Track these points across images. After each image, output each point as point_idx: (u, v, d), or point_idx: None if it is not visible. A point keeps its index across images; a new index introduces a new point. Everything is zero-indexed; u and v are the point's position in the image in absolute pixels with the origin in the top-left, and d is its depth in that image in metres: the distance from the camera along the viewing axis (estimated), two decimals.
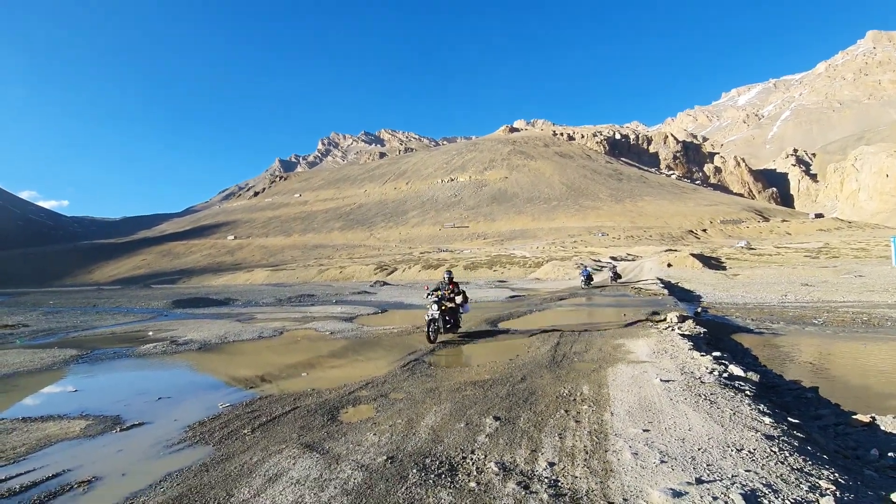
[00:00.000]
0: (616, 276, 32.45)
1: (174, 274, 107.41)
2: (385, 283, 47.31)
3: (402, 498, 3.20)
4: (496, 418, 4.81)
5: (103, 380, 8.33)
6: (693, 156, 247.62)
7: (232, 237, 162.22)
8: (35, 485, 3.92)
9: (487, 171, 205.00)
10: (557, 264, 50.27)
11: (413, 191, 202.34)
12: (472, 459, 3.81)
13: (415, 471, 3.61)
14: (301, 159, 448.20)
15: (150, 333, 13.96)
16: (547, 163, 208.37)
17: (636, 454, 3.72)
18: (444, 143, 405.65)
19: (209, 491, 3.47)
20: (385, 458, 3.90)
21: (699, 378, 6.06)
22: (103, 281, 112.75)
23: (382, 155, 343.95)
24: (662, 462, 3.55)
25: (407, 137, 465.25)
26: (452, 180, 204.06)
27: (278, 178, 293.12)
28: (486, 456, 3.87)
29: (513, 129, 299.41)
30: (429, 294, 10.69)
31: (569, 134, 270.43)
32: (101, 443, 4.90)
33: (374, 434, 4.54)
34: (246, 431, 4.85)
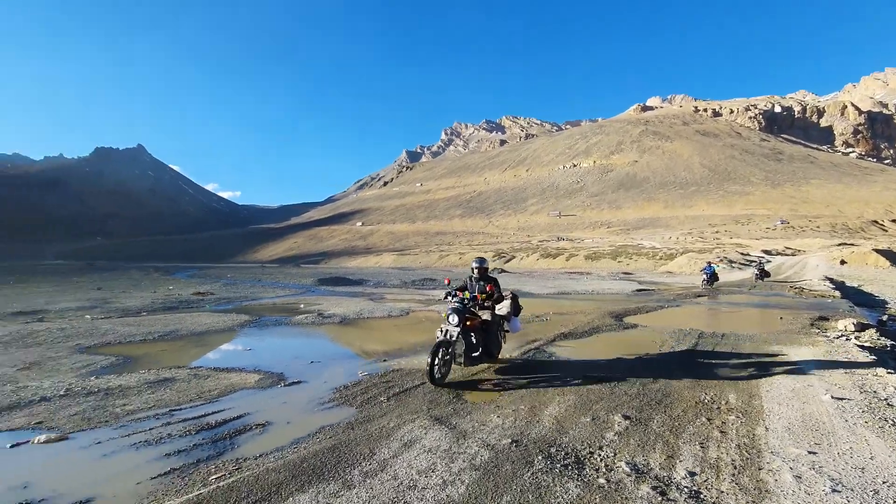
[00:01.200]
0: (763, 273, 27.49)
1: (318, 255, 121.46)
2: (503, 271, 47.53)
3: (529, 482, 3.25)
4: (625, 417, 4.58)
5: (269, 342, 9.88)
6: (882, 129, 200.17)
7: (360, 224, 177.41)
8: (225, 422, 4.85)
9: (614, 155, 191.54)
10: (694, 257, 45.14)
11: (533, 178, 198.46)
12: (599, 455, 3.70)
13: (540, 458, 3.63)
14: (426, 150, 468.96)
15: (302, 306, 16.09)
16: (685, 143, 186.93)
17: (799, 477, 3.24)
18: (567, 127, 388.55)
19: (355, 447, 3.94)
20: (510, 440, 3.99)
21: (885, 399, 5.00)
22: (265, 259, 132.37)
23: (503, 142, 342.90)
24: (835, 491, 3.04)
25: (528, 123, 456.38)
26: (575, 166, 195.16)
27: (405, 169, 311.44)
28: (615, 454, 3.72)
29: (645, 108, 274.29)
30: (449, 295, 6.79)
31: (714, 109, 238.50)
32: (270, 394, 5.85)
33: (498, 416, 4.66)
34: (382, 399, 5.36)
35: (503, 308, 6.87)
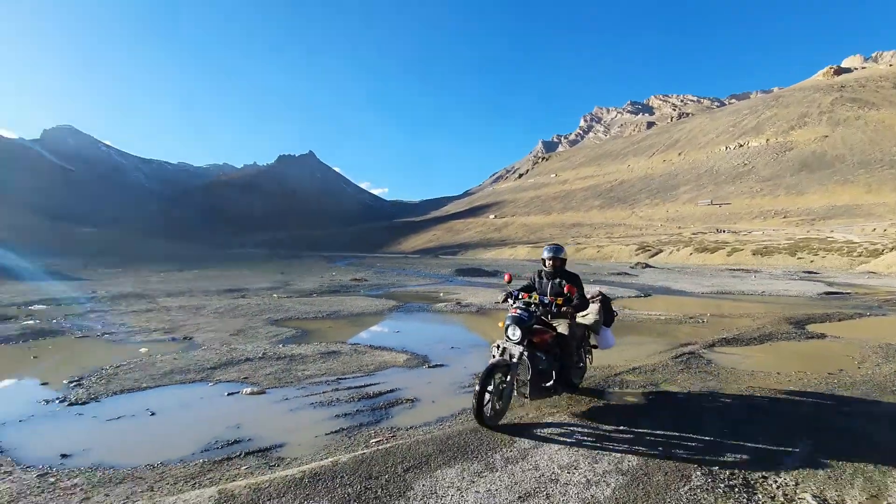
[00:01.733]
0: None
1: (455, 247, 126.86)
2: (648, 266, 43.54)
3: (685, 498, 2.98)
4: (808, 440, 3.87)
5: (413, 326, 10.73)
6: None
7: (493, 216, 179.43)
8: (381, 394, 5.44)
9: (795, 131, 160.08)
10: None
11: (686, 162, 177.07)
12: (775, 481, 3.20)
13: (699, 473, 3.29)
14: (562, 139, 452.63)
15: (441, 294, 17.05)
16: None
17: None
18: (732, 101, 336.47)
19: (495, 432, 4.06)
20: (662, 449, 3.70)
21: None
22: (407, 250, 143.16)
23: (650, 125, 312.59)
24: None
25: (682, 101, 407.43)
26: (741, 146, 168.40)
27: (540, 160, 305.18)
28: (796, 483, 3.18)
29: (839, 71, 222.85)
30: (511, 297, 5.06)
31: None
32: (417, 374, 6.37)
33: (647, 423, 4.34)
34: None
35: (589, 316, 5.23)
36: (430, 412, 4.84)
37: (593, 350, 5.48)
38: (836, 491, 3.07)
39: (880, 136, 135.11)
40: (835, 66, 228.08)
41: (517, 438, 3.93)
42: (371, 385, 5.77)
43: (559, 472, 3.31)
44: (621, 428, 4.19)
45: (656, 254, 59.56)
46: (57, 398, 5.23)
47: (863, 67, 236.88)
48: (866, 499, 2.99)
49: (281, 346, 8.06)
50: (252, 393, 5.50)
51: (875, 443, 3.88)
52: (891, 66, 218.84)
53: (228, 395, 5.45)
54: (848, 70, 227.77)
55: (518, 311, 4.44)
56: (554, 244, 5.27)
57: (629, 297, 17.02)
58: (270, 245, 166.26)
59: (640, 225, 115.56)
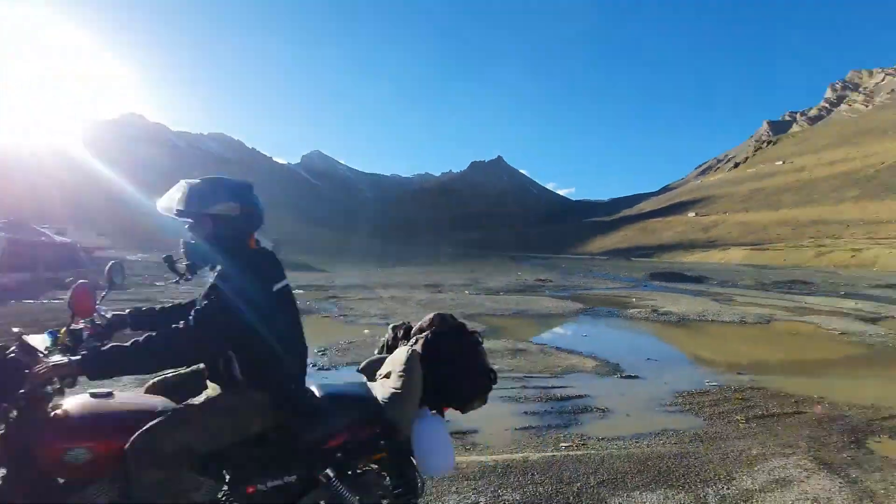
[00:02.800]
0: None
1: (649, 248, 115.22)
2: None
3: None
4: None
5: (602, 331, 10.18)
6: None
7: (692, 214, 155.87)
8: (569, 398, 5.32)
9: None
10: None
11: None
12: None
13: None
14: (798, 116, 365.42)
15: (633, 300, 15.72)
16: None
17: None
18: None
19: (707, 463, 3.54)
20: None
21: None
22: (594, 252, 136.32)
23: None
24: None
25: None
26: None
27: (765, 144, 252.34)
28: None
29: None
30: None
31: None
32: (608, 382, 6.02)
33: None
34: (739, 418, 4.60)
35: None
36: (624, 426, 4.51)
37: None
38: None
39: None
40: None
41: (737, 475, 3.36)
42: (558, 388, 5.69)
43: None
44: (887, 487, 3.17)
45: None
46: (309, 363, 6.72)
47: None
48: None
49: None
50: None
51: None
52: None
53: None
54: None
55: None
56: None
57: None
58: (465, 245, 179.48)
59: None
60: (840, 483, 3.27)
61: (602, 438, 4.18)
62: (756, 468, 3.45)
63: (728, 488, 3.13)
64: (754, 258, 66.36)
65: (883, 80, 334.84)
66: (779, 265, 55.76)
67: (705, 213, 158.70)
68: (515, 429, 4.39)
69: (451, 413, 2.01)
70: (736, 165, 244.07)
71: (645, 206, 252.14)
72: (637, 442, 4.07)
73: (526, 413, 4.84)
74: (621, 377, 6.24)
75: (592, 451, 3.73)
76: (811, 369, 7.07)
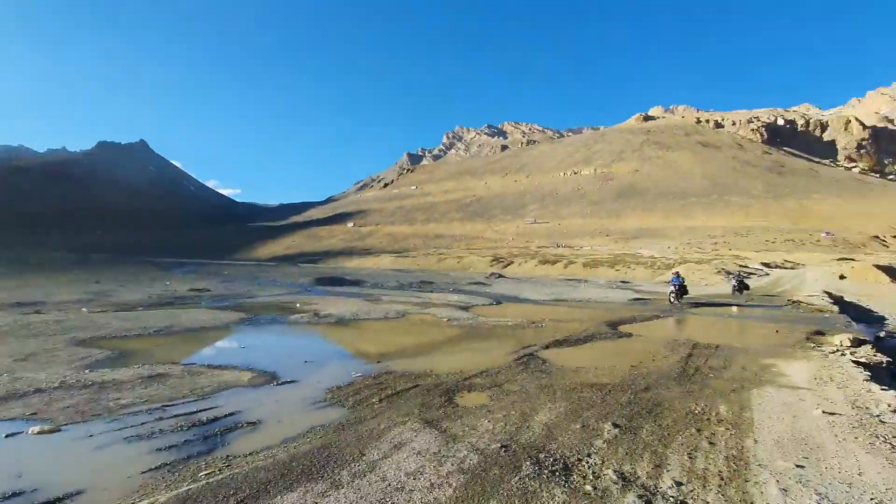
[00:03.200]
0: (741, 286, 24.73)
1: (316, 255, 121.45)
2: (500, 276, 47.51)
3: (516, 487, 3.27)
4: (615, 425, 4.60)
5: (263, 341, 9.89)
6: (887, 145, 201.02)
7: (351, 224, 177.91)
8: (217, 419, 4.87)
9: (615, 164, 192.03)
10: (693, 268, 45.18)
11: (533, 184, 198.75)
12: (587, 463, 3.72)
13: (528, 463, 3.65)
14: (427, 153, 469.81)
15: (298, 305, 16.10)
16: (686, 154, 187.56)
17: (785, 491, 3.27)
18: (569, 134, 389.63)
19: (345, 447, 3.95)
20: (499, 445, 4.01)
21: (877, 416, 5.02)
22: (262, 258, 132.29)
23: (504, 147, 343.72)
24: None
25: (530, 129, 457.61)
26: (575, 173, 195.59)
27: (405, 171, 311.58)
28: (603, 462, 3.74)
29: (647, 118, 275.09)
30: None
31: (716, 121, 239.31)
32: (263, 393, 5.86)
33: (489, 421, 4.67)
34: (374, 400, 5.38)
35: None
36: (274, 434, 4.48)
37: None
38: (630, 466, 3.69)
39: (673, 174, 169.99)
40: (643, 114, 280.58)
41: (367, 450, 3.87)
42: (205, 410, 5.12)
43: (405, 479, 3.35)
44: (465, 429, 4.43)
45: (508, 265, 65.30)
46: None
47: (663, 117, 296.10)
48: (652, 468, 3.65)
49: (88, 371, 6.68)
50: (41, 432, 4.44)
51: (660, 423, 4.78)
52: (682, 117, 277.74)
53: (7, 437, 4.31)
54: (653, 118, 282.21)
55: None
56: None
57: (483, 304, 18.27)
58: (88, 248, 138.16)
59: (495, 238, 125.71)
60: (436, 433, 4.30)
61: (250, 453, 4.00)
62: (382, 440, 4.11)
63: (359, 465, 3.58)
64: (398, 263, 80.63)
65: (474, 137, 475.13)
66: (414, 269, 69.83)
67: (363, 223, 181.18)
68: (142, 472, 3.64)
69: (43, 479, 1.44)
70: (385, 185, 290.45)
71: (313, 214, 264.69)
72: (286, 446, 4.11)
73: (160, 450, 4.09)
74: (277, 384, 6.21)
75: (237, 471, 3.51)
76: (427, 350, 9.08)
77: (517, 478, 3.40)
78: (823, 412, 5.05)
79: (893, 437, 4.36)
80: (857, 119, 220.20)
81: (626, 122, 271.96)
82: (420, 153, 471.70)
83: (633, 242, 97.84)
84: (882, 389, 6.05)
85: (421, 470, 3.51)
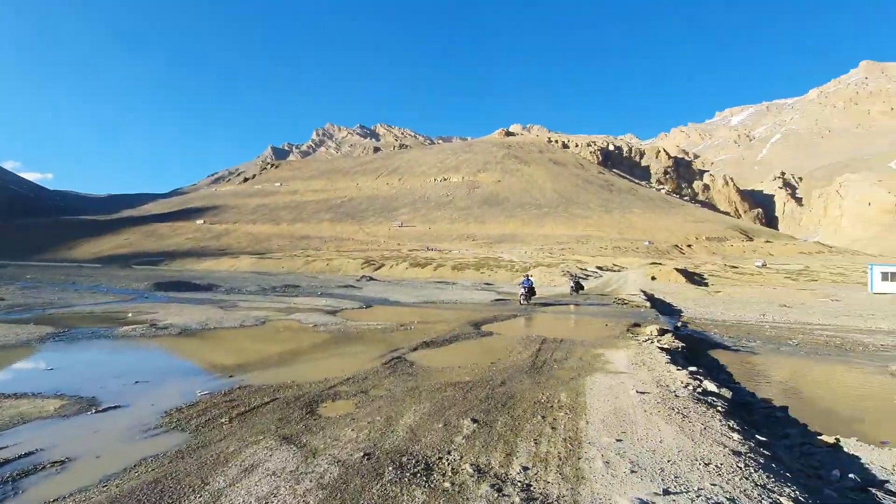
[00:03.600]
0: (577, 287, 27.09)
1: (157, 255, 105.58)
2: (371, 279, 47.15)
3: (377, 495, 3.24)
4: (474, 420, 4.87)
5: (80, 360, 8.21)
6: (683, 172, 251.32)
7: (202, 221, 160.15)
8: (6, 462, 3.88)
9: (481, 174, 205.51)
10: (544, 270, 50.63)
11: (405, 188, 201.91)
12: (448, 460, 3.87)
13: (391, 468, 3.65)
14: (294, 148, 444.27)
15: (130, 315, 13.77)
16: (540, 169, 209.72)
17: (608, 463, 3.82)
18: (440, 142, 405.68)
19: (184, 478, 3.47)
20: (362, 454, 3.94)
21: (674, 392, 6.20)
22: (84, 258, 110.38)
23: (377, 149, 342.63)
24: (632, 472, 3.65)
25: (402, 134, 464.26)
26: (445, 180, 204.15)
27: (269, 166, 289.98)
28: (461, 457, 3.93)
29: (508, 133, 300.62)
30: None
31: (563, 142, 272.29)
32: (76, 424, 4.85)
33: (353, 430, 4.57)
34: (223, 420, 4.84)
35: None
36: (90, 473, 3.73)
37: None
38: (486, 457, 3.94)
39: (530, 186, 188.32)
40: (505, 129, 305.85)
41: (212, 478, 3.46)
42: None
43: None
44: (328, 441, 4.26)
45: (379, 267, 65.13)
46: None
47: (522, 134, 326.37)
48: (504, 457, 3.96)
49: None
50: None
51: (512, 414, 5.22)
52: (537, 135, 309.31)
53: None
54: (513, 134, 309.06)
55: None
56: None
57: (352, 308, 17.88)
58: None
59: (367, 240, 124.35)
60: (294, 450, 4.04)
61: (55, 500, 3.27)
62: (230, 464, 3.71)
63: (200, 496, 3.18)
64: (259, 265, 74.44)
65: (346, 136, 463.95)
66: (278, 271, 65.20)
67: (217, 221, 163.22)
68: None
69: None
70: (245, 180, 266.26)
71: (152, 208, 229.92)
72: (105, 485, 3.45)
73: None
74: (97, 412, 5.20)
75: None
76: (289, 359, 8.53)
77: (378, 485, 3.37)
78: (637, 392, 6.05)
79: (684, 407, 5.42)
80: (664, 150, 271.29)
81: (491, 136, 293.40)
82: (286, 148, 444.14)
83: (496, 247, 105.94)
84: (677, 370, 7.50)
85: (275, 492, 3.26)
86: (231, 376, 6.94)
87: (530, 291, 20.86)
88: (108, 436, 4.52)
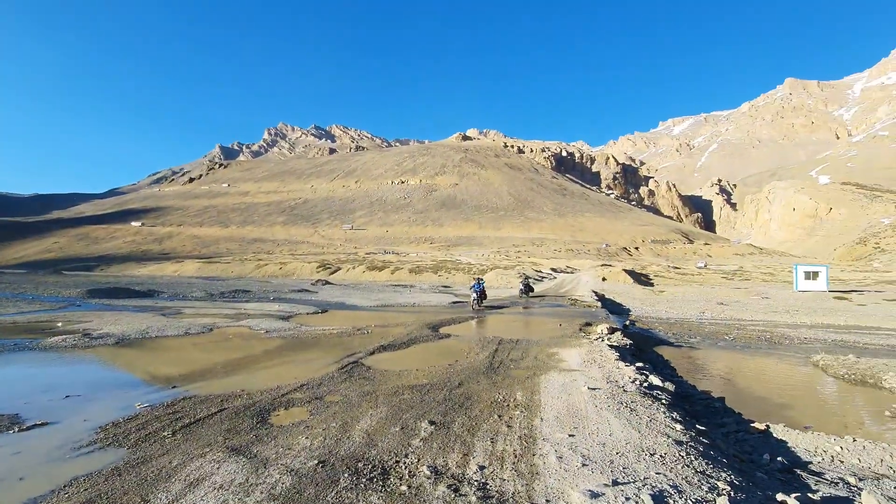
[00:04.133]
0: (528, 289, 26.27)
1: (91, 260, 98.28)
2: (327, 283, 46.10)
3: (332, 503, 3.17)
4: (431, 422, 4.87)
5: (0, 374, 7.49)
6: (631, 178, 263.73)
7: (141, 223, 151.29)
8: None
9: (438, 177, 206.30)
10: (501, 273, 51.47)
11: (362, 190, 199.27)
12: (405, 463, 3.84)
13: (346, 475, 3.58)
14: (244, 147, 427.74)
15: (60, 325, 12.73)
16: (496, 173, 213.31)
17: (561, 458, 3.93)
18: (397, 144, 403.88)
19: (121, 496, 3.24)
20: (316, 462, 3.84)
21: (622, 387, 6.47)
22: (6, 263, 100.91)
23: (332, 151, 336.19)
24: (584, 465, 3.77)
25: (359, 135, 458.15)
26: (403, 182, 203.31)
27: (217, 166, 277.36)
28: (419, 460, 3.91)
29: (465, 138, 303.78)
30: None
31: (519, 147, 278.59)
32: None
33: (307, 438, 4.44)
34: (166, 434, 4.57)
35: None
36: (12, 496, 3.40)
37: None
38: (443, 459, 3.95)
39: (487, 190, 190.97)
40: (462, 133, 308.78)
41: (153, 495, 3.25)
42: None
43: None
44: (280, 450, 4.12)
45: (335, 271, 63.80)
46: None
47: (478, 138, 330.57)
48: (460, 458, 3.98)
49: None
50: None
51: (470, 414, 5.26)
52: (493, 140, 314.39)
53: None
54: (470, 138, 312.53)
55: None
56: None
57: (307, 313, 17.40)
58: None
59: (322, 244, 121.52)
60: (244, 461, 3.87)
61: None
62: (173, 479, 3.51)
63: None
64: (206, 270, 70.90)
65: (300, 136, 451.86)
66: (227, 276, 62.40)
67: (159, 223, 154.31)
68: None
69: None
70: (191, 180, 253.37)
71: (85, 210, 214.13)
72: None
73: None
74: (20, 430, 4.76)
75: None
76: (239, 367, 8.16)
77: (334, 493, 3.30)
78: (588, 388, 6.27)
79: (631, 401, 5.68)
80: (613, 157, 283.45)
81: (448, 139, 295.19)
82: (236, 147, 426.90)
83: (454, 249, 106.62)
84: (626, 366, 7.84)
85: None
86: (174, 387, 6.57)
87: (482, 295, 20.64)
88: (34, 456, 4.14)
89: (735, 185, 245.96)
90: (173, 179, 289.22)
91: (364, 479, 3.51)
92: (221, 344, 10.58)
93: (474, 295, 20.41)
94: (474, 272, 57.67)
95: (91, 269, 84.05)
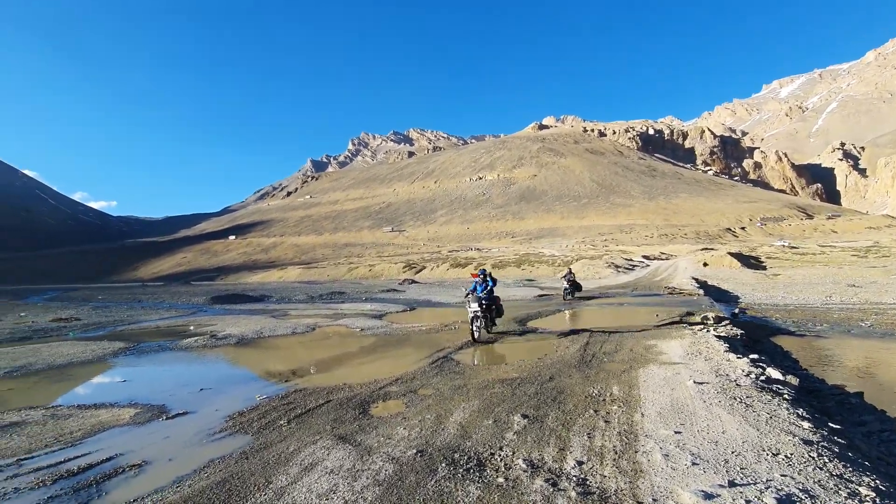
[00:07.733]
0: (575, 287, 20.38)
1: (212, 271, 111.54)
2: (413, 282, 47.70)
3: (432, 490, 3.29)
4: (524, 416, 4.83)
5: (149, 371, 8.81)
6: (731, 151, 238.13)
7: (233, 237, 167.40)
8: (91, 467, 4.22)
9: (516, 169, 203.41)
10: (587, 263, 49.40)
11: (441, 189, 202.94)
12: (500, 456, 3.86)
13: (444, 465, 3.69)
14: (332, 159, 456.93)
15: (192, 328, 14.63)
16: (577, 160, 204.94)
17: (667, 455, 3.69)
18: (473, 141, 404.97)
19: (249, 477, 3.65)
20: (415, 451, 4.00)
21: (735, 381, 5.89)
22: (147, 278, 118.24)
23: (411, 154, 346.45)
24: (694, 464, 3.50)
25: (435, 136, 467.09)
26: (480, 178, 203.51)
27: (310, 178, 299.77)
28: (513, 453, 3.91)
29: (542, 127, 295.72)
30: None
31: (600, 130, 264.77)
32: (149, 430, 5.22)
33: (404, 428, 4.65)
34: (282, 422, 5.06)
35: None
36: (164, 474, 4.00)
37: None
38: (538, 452, 3.90)
39: (567, 178, 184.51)
40: (538, 123, 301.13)
41: (274, 477, 3.62)
42: (76, 458, 4.42)
43: (317, 501, 3.20)
44: (381, 439, 4.35)
45: (420, 270, 65.77)
46: None
47: (555, 126, 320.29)
48: (557, 452, 3.90)
49: None
50: None
51: (563, 409, 5.13)
52: (572, 126, 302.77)
53: None
54: (547, 127, 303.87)
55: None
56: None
57: (396, 311, 18.17)
58: None
59: (406, 244, 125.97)
60: (350, 448, 4.16)
61: (134, 500, 3.53)
62: (291, 463, 3.87)
63: (265, 494, 3.34)
64: (306, 275, 77.08)
65: (380, 143, 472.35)
66: (324, 280, 67.26)
67: (265, 234, 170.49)
68: None
69: None
70: (288, 194, 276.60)
71: (206, 227, 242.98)
72: (178, 486, 3.69)
73: None
74: (167, 419, 5.57)
75: None
76: (340, 363, 8.78)
77: (433, 481, 3.42)
78: (695, 382, 5.80)
79: (747, 396, 5.15)
80: (709, 129, 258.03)
81: (524, 131, 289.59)
82: (325, 160, 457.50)
83: (536, 242, 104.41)
84: (737, 358, 7.12)
85: (334, 489, 3.37)
86: (286, 381, 7.23)
87: (574, 286, 20.30)
88: (179, 440, 4.82)
89: (863, 148, 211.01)
90: (274, 194, 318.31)
91: (461, 470, 3.59)
92: (323, 342, 11.44)
93: (566, 285, 20.24)
94: (558, 264, 55.98)
95: (213, 278, 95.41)
